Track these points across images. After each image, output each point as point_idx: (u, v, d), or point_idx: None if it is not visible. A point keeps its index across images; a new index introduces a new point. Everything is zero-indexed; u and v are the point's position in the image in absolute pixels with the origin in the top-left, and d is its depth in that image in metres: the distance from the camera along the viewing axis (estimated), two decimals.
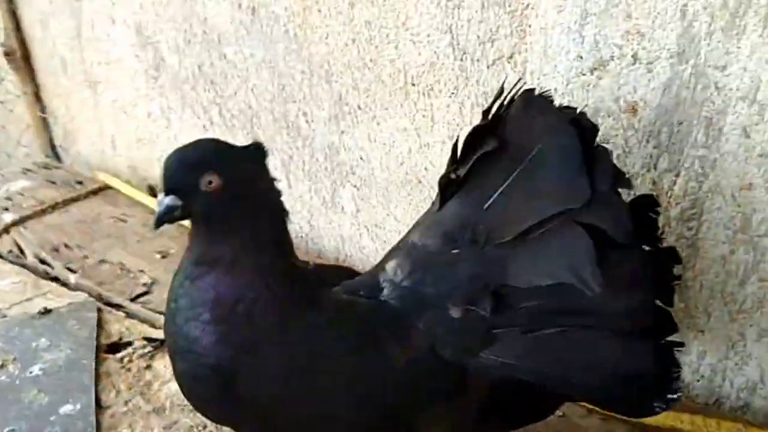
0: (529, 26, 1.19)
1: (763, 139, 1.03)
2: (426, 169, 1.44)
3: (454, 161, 0.97)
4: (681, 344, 0.94)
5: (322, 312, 0.92)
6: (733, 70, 1.02)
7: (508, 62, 1.24)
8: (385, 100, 1.43)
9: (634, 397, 0.95)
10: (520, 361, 0.94)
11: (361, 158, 1.54)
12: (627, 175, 0.93)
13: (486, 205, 0.94)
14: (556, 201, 0.89)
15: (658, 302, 0.94)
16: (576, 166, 0.89)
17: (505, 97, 0.96)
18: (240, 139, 1.71)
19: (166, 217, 0.84)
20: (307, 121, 1.60)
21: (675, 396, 0.92)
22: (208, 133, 1.84)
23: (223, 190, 0.84)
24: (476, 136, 0.94)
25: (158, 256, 1.70)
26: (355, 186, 1.58)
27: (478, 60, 1.27)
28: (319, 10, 1.45)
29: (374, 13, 1.37)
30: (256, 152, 0.90)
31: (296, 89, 1.58)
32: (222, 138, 0.92)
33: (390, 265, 0.98)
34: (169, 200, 0.83)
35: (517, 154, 0.93)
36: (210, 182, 0.84)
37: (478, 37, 1.25)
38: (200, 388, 0.90)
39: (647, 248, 0.94)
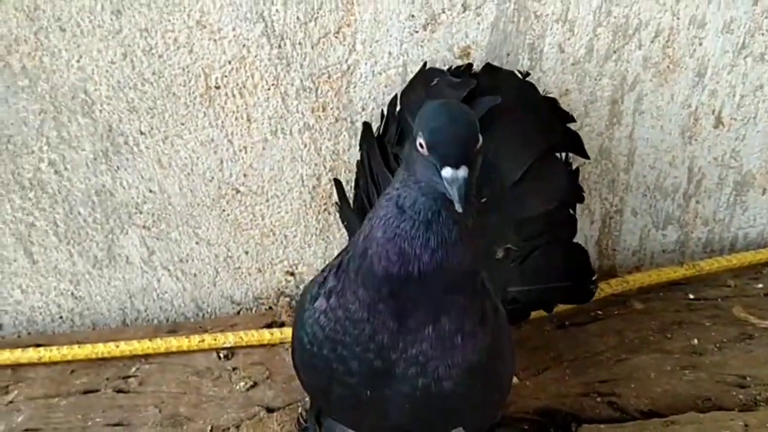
0: None
1: (574, 50, 1.28)
2: (245, 175, 1.32)
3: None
4: None
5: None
6: None
7: (336, 37, 1.22)
8: (180, 114, 1.25)
9: (584, 285, 1.16)
10: (521, 286, 1.07)
11: (151, 191, 1.31)
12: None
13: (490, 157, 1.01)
14: (540, 140, 1.08)
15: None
16: (547, 112, 1.13)
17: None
18: None
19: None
20: (56, 172, 1.27)
21: (595, 276, 1.18)
22: None
23: (478, 154, 0.72)
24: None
25: None
26: (144, 227, 1.34)
27: (300, 43, 1.22)
28: (62, 29, 1.16)
29: (152, 17, 1.17)
30: None
31: (32, 136, 1.23)
32: None
33: None
34: (464, 172, 0.67)
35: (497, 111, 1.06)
36: (478, 145, 0.71)
37: (299, 18, 1.20)
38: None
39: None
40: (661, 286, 1.38)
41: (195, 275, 1.41)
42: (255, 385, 1.19)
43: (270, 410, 1.13)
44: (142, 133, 1.26)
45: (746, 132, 1.40)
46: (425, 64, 1.22)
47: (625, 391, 1.14)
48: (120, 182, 1.30)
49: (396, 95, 1.21)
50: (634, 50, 1.29)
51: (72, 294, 1.39)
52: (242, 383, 1.19)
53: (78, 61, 1.18)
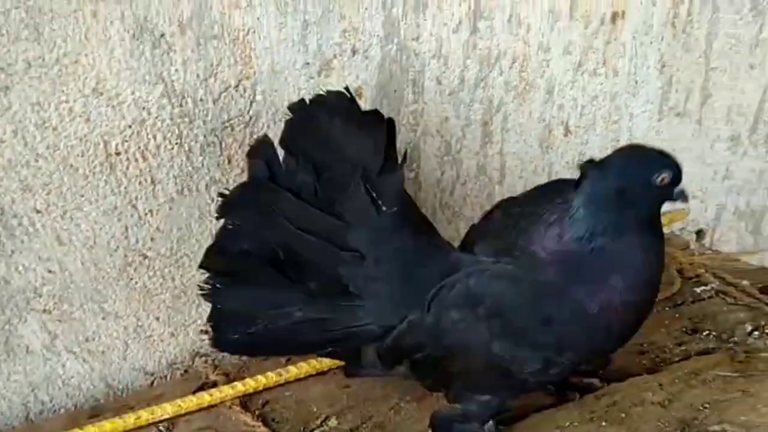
0: (254, 50, 1.23)
1: (449, 81, 1.41)
2: (152, 239, 1.28)
3: None
4: None
5: None
6: (424, 37, 1.35)
7: (236, 90, 1.24)
8: (79, 186, 1.19)
9: None
10: None
11: (50, 271, 1.23)
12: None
13: None
14: None
15: None
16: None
17: None
18: None
19: None
20: None
21: None
22: None
23: None
24: None
25: None
26: (44, 311, 1.25)
27: (201, 99, 1.22)
28: None
29: (45, 89, 1.11)
30: None
31: None
32: None
33: None
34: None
35: None
36: None
37: (198, 75, 1.20)
38: None
39: None
40: None
41: (103, 352, 1.33)
42: None
43: None
44: (38, 212, 1.18)
45: (588, 137, 1.62)
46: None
47: None
48: (15, 267, 1.20)
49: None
50: (497, 77, 1.45)
51: None
52: None
53: None
